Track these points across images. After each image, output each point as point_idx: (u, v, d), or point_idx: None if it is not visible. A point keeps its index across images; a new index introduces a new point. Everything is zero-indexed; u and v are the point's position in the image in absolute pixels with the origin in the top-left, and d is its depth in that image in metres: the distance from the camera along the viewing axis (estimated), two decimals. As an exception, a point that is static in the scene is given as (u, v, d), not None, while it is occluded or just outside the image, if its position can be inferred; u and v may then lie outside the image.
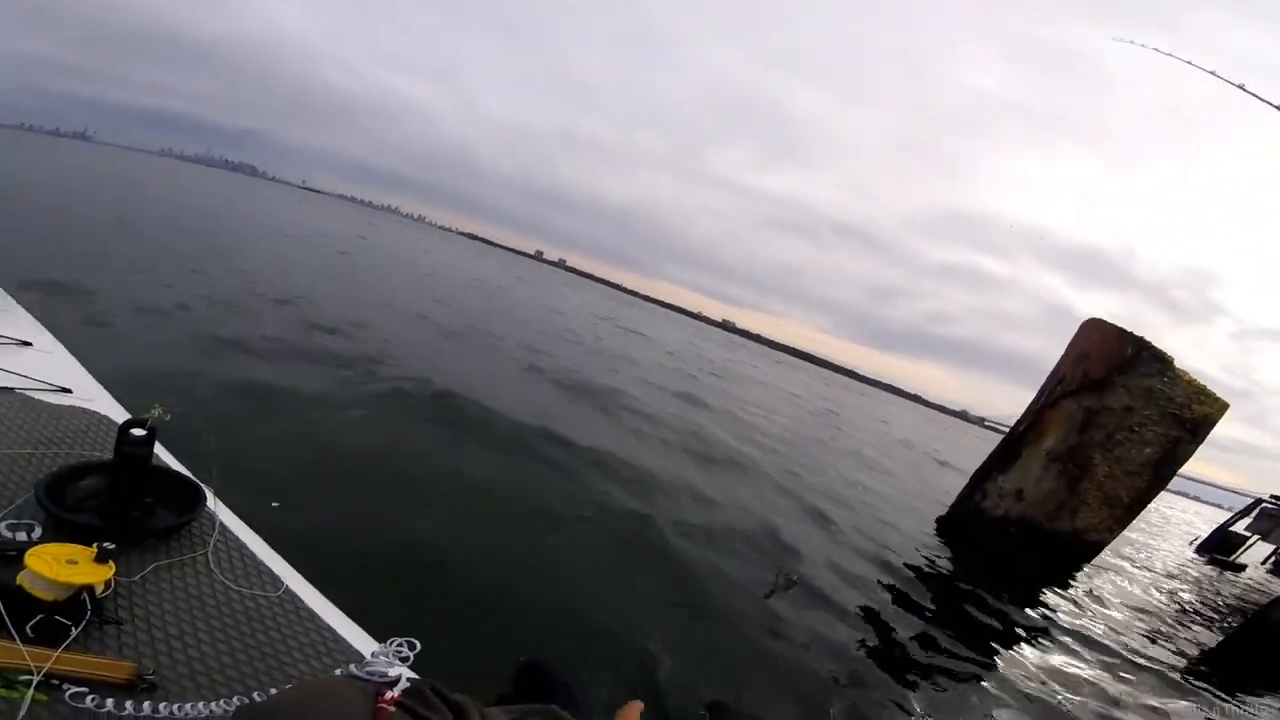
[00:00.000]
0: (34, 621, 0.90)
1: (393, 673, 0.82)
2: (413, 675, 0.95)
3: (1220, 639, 5.80)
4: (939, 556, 5.99)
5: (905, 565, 5.23)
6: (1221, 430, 6.68)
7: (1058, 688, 3.61)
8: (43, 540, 1.07)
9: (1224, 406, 6.40)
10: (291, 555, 1.33)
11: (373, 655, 1.00)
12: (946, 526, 7.36)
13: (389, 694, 0.65)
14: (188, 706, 0.88)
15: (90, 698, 0.84)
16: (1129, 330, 6.39)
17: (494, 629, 2.46)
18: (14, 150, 32.77)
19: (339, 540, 2.68)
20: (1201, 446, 6.48)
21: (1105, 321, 6.64)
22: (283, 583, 1.26)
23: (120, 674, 0.89)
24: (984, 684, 3.41)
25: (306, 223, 29.83)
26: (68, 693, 0.84)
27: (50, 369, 1.79)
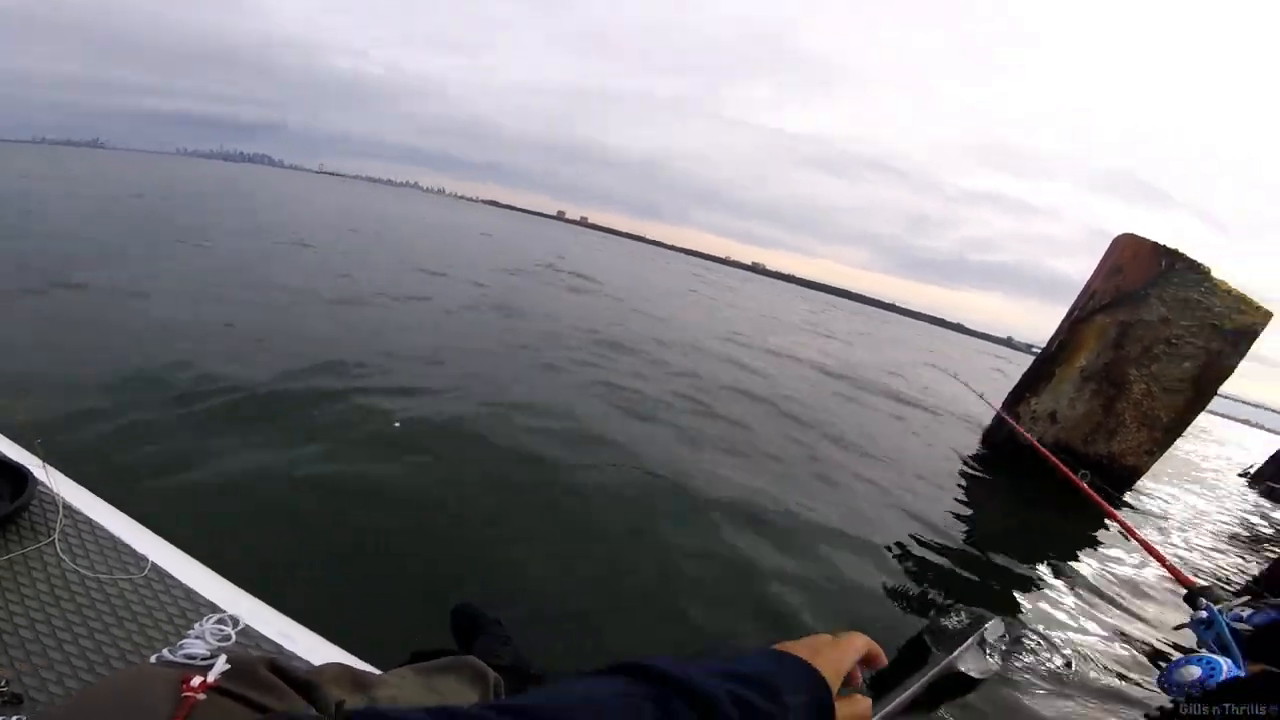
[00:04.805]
0: None
1: (203, 654, 0.77)
2: (256, 653, 0.91)
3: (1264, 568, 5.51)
4: (971, 485, 6.04)
5: (939, 490, 5.30)
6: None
7: (1088, 626, 3.33)
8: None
9: (1268, 315, 6.16)
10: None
11: (188, 637, 0.96)
12: (986, 452, 7.36)
13: (199, 679, 0.60)
14: None
15: None
16: (1163, 244, 6.18)
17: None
18: (64, 163, 32.58)
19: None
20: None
21: (1138, 236, 6.41)
22: (147, 560, 1.17)
23: (-35, 690, 0.82)
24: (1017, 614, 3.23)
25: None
26: None
27: None
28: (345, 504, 2.85)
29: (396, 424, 3.80)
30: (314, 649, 1.10)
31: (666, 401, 5.76)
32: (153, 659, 0.97)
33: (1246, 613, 0.56)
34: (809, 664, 0.49)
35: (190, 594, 1.11)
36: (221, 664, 0.63)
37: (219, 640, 1.01)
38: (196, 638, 0.99)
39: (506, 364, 5.91)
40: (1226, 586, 4.91)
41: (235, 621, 1.05)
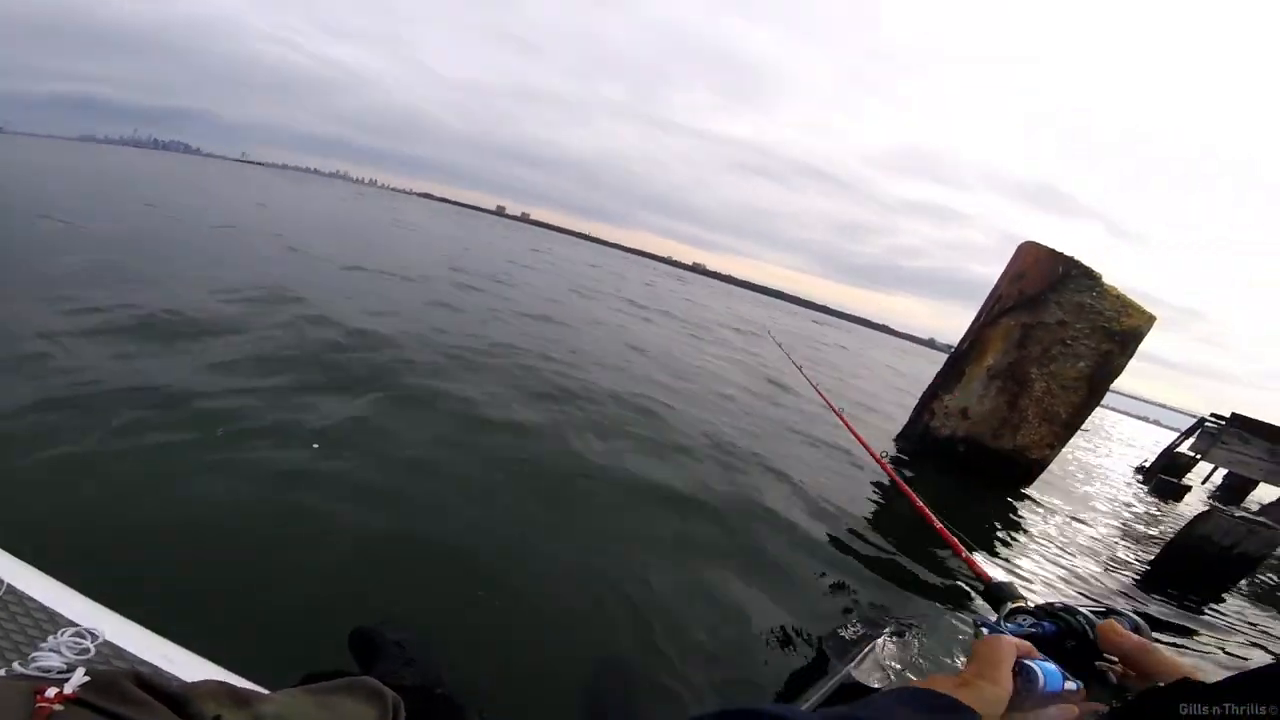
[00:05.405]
0: None
1: (60, 666, 0.74)
2: (119, 666, 0.86)
3: (1153, 557, 5.93)
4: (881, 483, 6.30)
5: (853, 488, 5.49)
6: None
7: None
8: None
9: (1151, 318, 6.71)
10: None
11: (40, 650, 0.91)
12: (901, 446, 7.72)
13: (54, 690, 0.57)
14: None
15: None
16: (1061, 251, 6.64)
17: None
18: None
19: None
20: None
21: (1039, 243, 6.86)
22: (2, 581, 1.07)
23: None
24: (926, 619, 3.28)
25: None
26: None
27: None
28: (233, 515, 2.68)
29: (315, 445, 3.57)
30: (192, 668, 1.02)
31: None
32: (0, 672, 0.89)
33: (1028, 623, 0.57)
34: (950, 697, 0.46)
35: (54, 616, 1.01)
36: (80, 675, 0.60)
37: (77, 654, 0.92)
38: (51, 650, 0.91)
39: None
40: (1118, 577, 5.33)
41: (95, 635, 0.96)
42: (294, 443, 3.43)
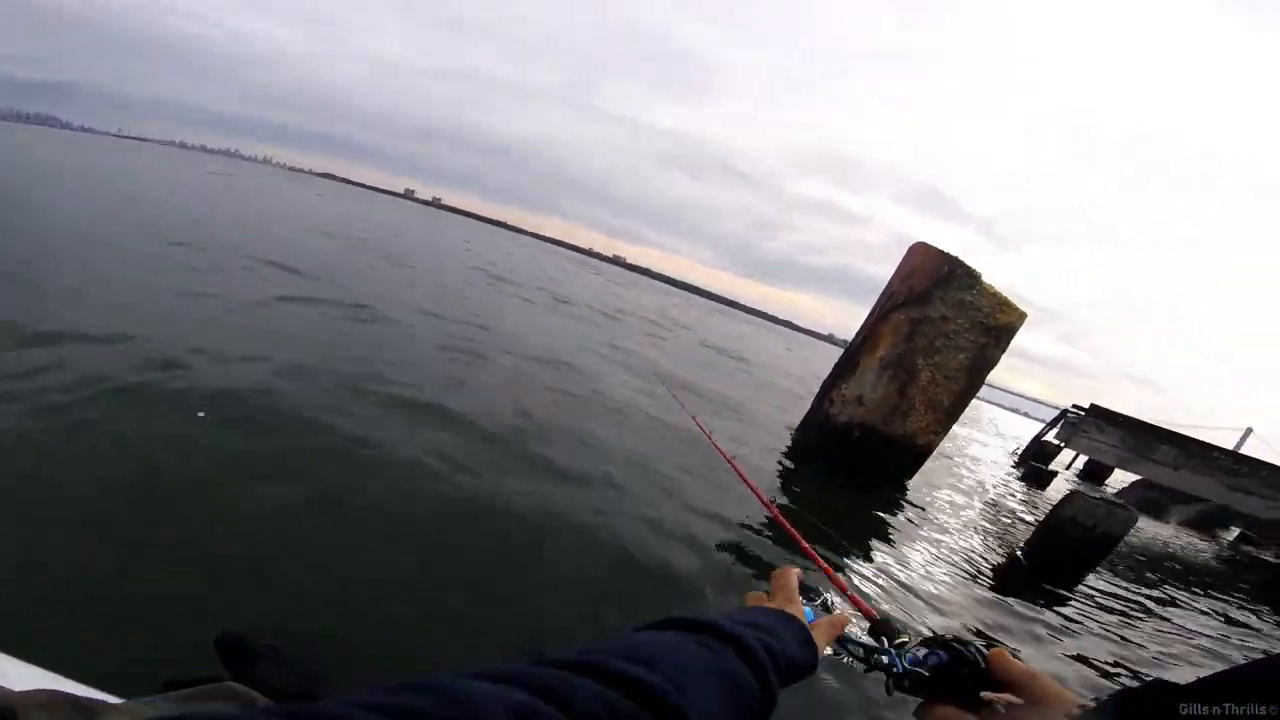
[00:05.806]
0: None
1: None
2: None
3: (1025, 541, 6.45)
4: (785, 465, 6.60)
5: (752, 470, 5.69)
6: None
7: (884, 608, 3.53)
8: None
9: (1023, 315, 7.36)
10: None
11: None
12: (802, 434, 8.09)
13: None
14: None
15: None
16: (947, 251, 7.16)
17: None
18: None
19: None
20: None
21: (928, 244, 7.36)
22: None
23: None
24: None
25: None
26: None
27: None
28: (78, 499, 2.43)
29: (201, 414, 3.32)
30: (26, 679, 0.89)
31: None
32: None
33: (922, 653, 0.60)
34: (786, 612, 0.64)
35: None
36: None
37: None
38: None
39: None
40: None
41: None
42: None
